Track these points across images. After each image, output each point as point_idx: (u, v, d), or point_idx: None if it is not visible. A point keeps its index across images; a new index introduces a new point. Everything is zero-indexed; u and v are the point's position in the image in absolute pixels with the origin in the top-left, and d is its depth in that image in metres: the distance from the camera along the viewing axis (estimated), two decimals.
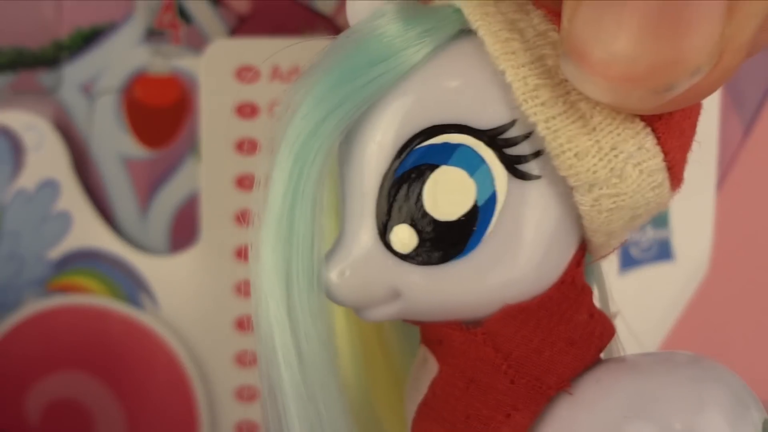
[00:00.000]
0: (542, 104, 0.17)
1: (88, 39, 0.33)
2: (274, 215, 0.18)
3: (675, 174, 0.18)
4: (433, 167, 0.17)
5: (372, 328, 0.22)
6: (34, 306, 0.33)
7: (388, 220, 0.18)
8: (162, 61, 0.33)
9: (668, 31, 0.15)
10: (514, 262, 0.18)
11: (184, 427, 0.33)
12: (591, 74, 0.15)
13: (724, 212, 0.34)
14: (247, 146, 0.32)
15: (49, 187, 0.33)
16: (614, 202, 0.17)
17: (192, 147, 0.34)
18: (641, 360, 0.19)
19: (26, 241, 0.33)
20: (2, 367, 0.33)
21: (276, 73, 0.32)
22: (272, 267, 0.18)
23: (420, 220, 0.17)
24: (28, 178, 0.33)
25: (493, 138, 0.17)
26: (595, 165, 0.17)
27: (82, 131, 0.34)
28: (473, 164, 0.17)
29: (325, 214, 0.18)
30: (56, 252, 0.33)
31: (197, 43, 0.33)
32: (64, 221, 0.33)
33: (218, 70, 0.32)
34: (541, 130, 0.17)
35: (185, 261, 0.33)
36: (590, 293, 0.19)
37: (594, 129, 0.17)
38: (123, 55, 0.33)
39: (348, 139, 0.18)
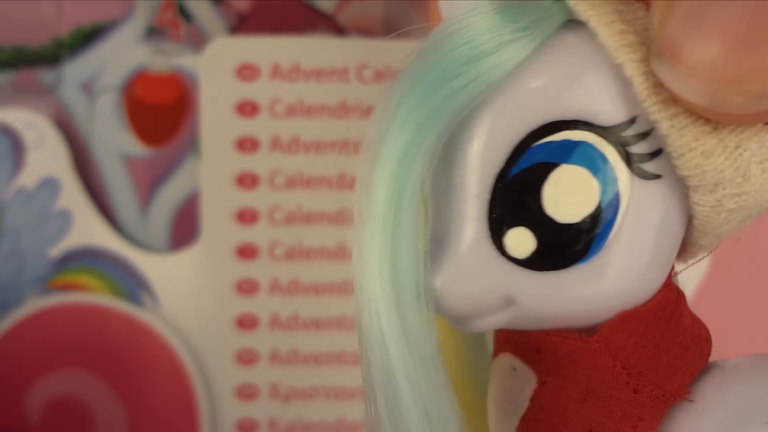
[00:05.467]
0: (664, 101, 0.16)
1: (88, 37, 0.33)
2: (378, 218, 0.16)
3: None
4: (552, 166, 0.16)
5: (446, 332, 0.21)
6: (34, 304, 0.33)
7: (502, 223, 0.16)
8: (162, 60, 0.33)
9: None
10: (636, 266, 0.17)
11: (185, 424, 0.33)
12: (690, 76, 0.15)
13: None
14: (247, 144, 0.32)
15: (50, 185, 0.33)
16: (736, 203, 0.16)
17: (192, 145, 0.34)
18: (759, 363, 0.18)
19: (27, 240, 0.33)
20: (3, 366, 0.33)
21: (276, 71, 0.32)
22: (378, 271, 0.16)
23: (539, 223, 0.16)
24: (29, 176, 0.33)
25: (615, 135, 0.16)
26: (721, 164, 0.16)
27: (83, 129, 0.34)
28: (596, 163, 0.16)
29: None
30: (57, 250, 0.33)
31: (197, 41, 0.33)
32: (65, 219, 0.33)
33: (218, 68, 0.32)
34: (664, 128, 0.16)
35: (186, 259, 0.33)
36: (684, 296, 0.18)
37: (716, 127, 0.16)
38: (123, 53, 0.33)
39: (453, 139, 0.17)
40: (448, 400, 0.17)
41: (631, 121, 0.16)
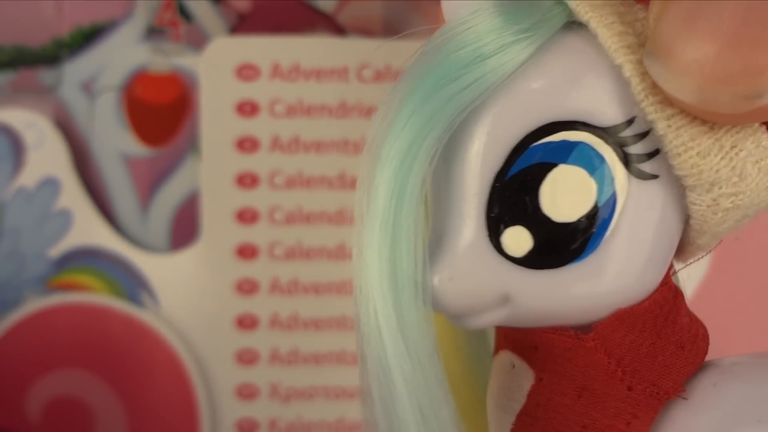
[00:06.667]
0: (662, 101, 0.16)
1: (88, 37, 0.33)
2: (377, 217, 0.17)
3: None
4: (550, 166, 0.16)
5: (448, 329, 0.21)
6: (34, 304, 0.33)
7: (500, 222, 0.17)
8: (162, 59, 0.33)
9: (766, 34, 0.14)
10: (631, 265, 0.17)
11: (185, 424, 0.33)
12: (680, 74, 0.15)
13: None
14: (247, 144, 0.32)
15: (50, 185, 0.33)
16: (732, 202, 0.17)
17: (192, 145, 0.34)
18: (756, 361, 0.18)
19: (27, 239, 0.33)
20: (3, 366, 0.33)
21: (276, 71, 0.32)
22: (377, 270, 0.17)
23: (536, 222, 0.16)
24: (29, 176, 0.33)
25: (613, 136, 0.16)
26: (717, 164, 0.16)
27: (83, 129, 0.34)
28: (593, 163, 0.16)
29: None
30: (57, 250, 0.33)
31: (197, 41, 0.33)
32: (65, 219, 0.33)
33: (218, 68, 0.32)
34: (661, 128, 0.16)
35: (186, 259, 0.33)
36: (683, 296, 0.19)
37: (713, 127, 0.16)
38: (123, 53, 0.33)
39: (453, 139, 0.17)
40: (444, 399, 0.17)
41: (630, 121, 0.16)
